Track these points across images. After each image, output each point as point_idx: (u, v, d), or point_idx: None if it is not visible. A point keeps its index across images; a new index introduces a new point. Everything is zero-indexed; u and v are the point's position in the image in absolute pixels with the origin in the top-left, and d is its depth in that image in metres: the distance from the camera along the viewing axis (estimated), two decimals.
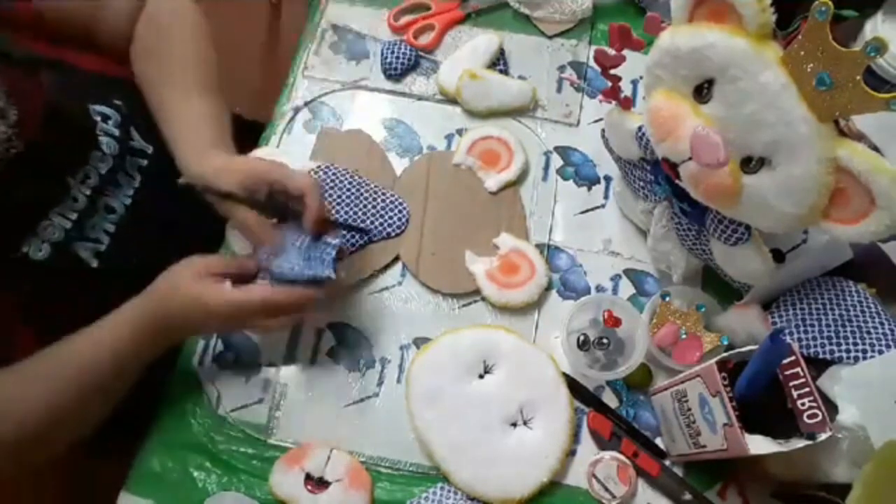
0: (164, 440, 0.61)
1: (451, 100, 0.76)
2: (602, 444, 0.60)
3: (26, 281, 0.56)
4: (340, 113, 0.76)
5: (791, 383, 0.47)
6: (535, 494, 0.58)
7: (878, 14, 0.68)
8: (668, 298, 0.62)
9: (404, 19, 0.80)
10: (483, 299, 0.66)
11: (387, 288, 0.67)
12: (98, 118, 0.61)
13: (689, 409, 0.53)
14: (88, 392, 0.53)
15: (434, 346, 0.63)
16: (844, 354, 0.53)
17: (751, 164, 0.47)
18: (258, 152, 0.71)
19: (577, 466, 0.59)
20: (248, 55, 1.69)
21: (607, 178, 0.72)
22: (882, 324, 0.54)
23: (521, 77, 0.77)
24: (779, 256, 0.61)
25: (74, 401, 0.53)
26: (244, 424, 0.61)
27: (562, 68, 0.78)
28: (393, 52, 0.77)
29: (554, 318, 0.65)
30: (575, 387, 0.62)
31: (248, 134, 0.73)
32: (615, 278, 0.68)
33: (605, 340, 0.61)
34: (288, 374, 0.63)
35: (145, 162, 0.66)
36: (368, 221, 0.68)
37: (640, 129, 0.57)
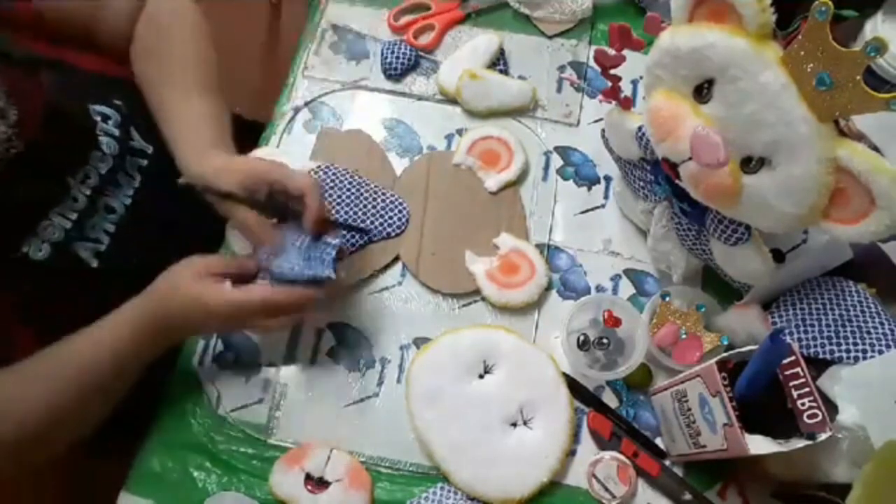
0: (164, 440, 0.61)
1: (451, 100, 0.76)
2: (602, 444, 0.60)
3: (26, 281, 0.56)
4: (340, 113, 0.76)
5: (791, 383, 0.47)
6: (535, 494, 0.58)
7: (878, 14, 0.68)
8: (668, 298, 0.62)
9: (404, 19, 0.80)
10: (483, 299, 0.66)
11: (387, 288, 0.67)
12: (98, 118, 0.61)
13: (689, 409, 0.53)
14: (88, 392, 0.53)
15: (434, 346, 0.63)
16: (844, 354, 0.53)
17: (751, 164, 0.47)
18: (258, 152, 0.71)
19: (577, 466, 0.59)
20: (248, 55, 1.69)
21: (607, 178, 0.72)
22: (882, 324, 0.54)
23: (521, 77, 0.77)
24: (779, 256, 0.61)
25: (74, 401, 0.53)
26: (244, 424, 0.61)
27: (562, 68, 0.78)
28: (393, 52, 0.77)
29: (554, 318, 0.65)
30: (575, 387, 0.62)
31: (248, 134, 0.73)
32: (615, 278, 0.68)
33: (605, 340, 0.61)
34: (288, 374, 0.63)
35: (145, 162, 0.66)
36: (368, 221, 0.68)
37: (640, 129, 0.57)
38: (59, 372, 0.52)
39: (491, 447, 0.58)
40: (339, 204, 0.68)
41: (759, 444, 0.46)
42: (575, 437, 0.60)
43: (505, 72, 0.78)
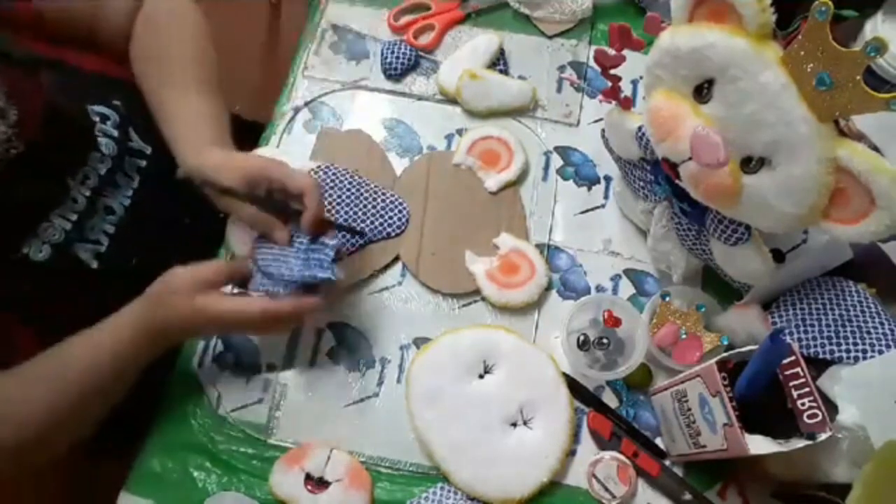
0: (165, 440, 0.61)
1: (451, 100, 0.76)
2: (602, 444, 0.60)
3: (26, 282, 0.56)
4: (340, 113, 0.76)
5: (791, 383, 0.47)
6: (535, 494, 0.58)
7: (878, 14, 0.68)
8: (668, 298, 0.62)
9: (404, 19, 0.80)
10: (483, 299, 0.66)
11: (387, 288, 0.67)
12: (97, 119, 0.61)
13: (689, 409, 0.53)
14: (89, 394, 0.53)
15: (434, 346, 0.63)
16: (844, 354, 0.53)
17: (751, 164, 0.47)
18: (258, 152, 0.71)
19: (577, 466, 0.59)
20: (248, 55, 1.69)
21: (607, 178, 0.72)
22: (882, 324, 0.54)
23: (521, 77, 0.77)
24: (779, 256, 0.61)
25: (75, 403, 0.53)
26: (244, 424, 0.61)
27: (562, 68, 0.78)
28: (393, 52, 0.77)
29: (554, 318, 0.65)
30: (575, 387, 0.62)
31: (248, 134, 0.73)
32: (615, 278, 0.68)
33: (605, 340, 0.61)
34: (288, 374, 0.63)
35: (144, 163, 0.66)
36: (368, 221, 0.68)
37: (640, 129, 0.57)
38: (60, 374, 0.53)
39: (491, 447, 0.58)
40: (338, 204, 0.68)
41: (759, 444, 0.46)
42: (575, 437, 0.60)
43: (505, 72, 0.78)
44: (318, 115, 0.76)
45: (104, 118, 0.62)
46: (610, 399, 0.62)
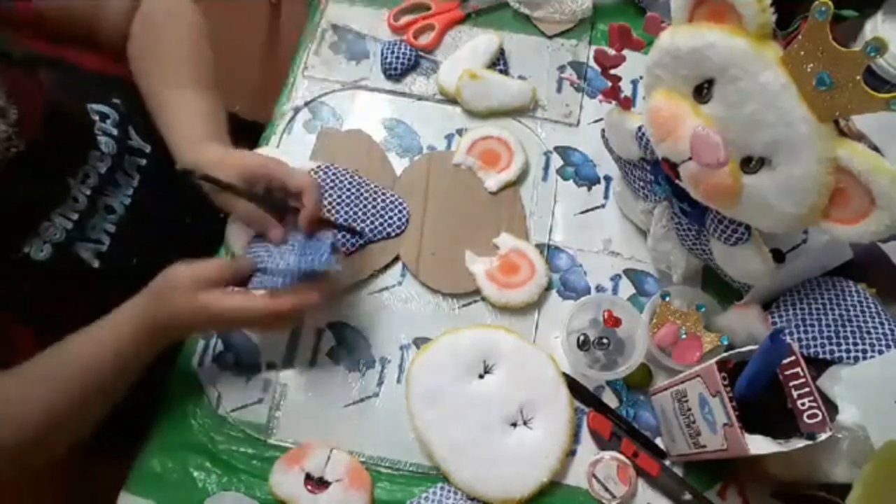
0: (165, 440, 0.61)
1: (451, 100, 0.76)
2: (602, 444, 0.60)
3: (26, 281, 0.56)
4: (340, 113, 0.76)
5: (791, 383, 0.47)
6: (535, 494, 0.58)
7: (878, 14, 0.68)
8: (668, 298, 0.62)
9: (404, 19, 0.80)
10: (483, 299, 0.66)
11: (387, 288, 0.67)
12: (96, 117, 0.61)
13: (689, 409, 0.53)
14: (90, 393, 0.53)
15: (434, 346, 0.62)
16: (844, 354, 0.53)
17: (751, 164, 0.47)
18: (258, 152, 0.71)
19: (577, 466, 0.59)
20: (248, 55, 1.69)
21: (607, 178, 0.72)
22: (882, 324, 0.54)
23: (521, 77, 0.77)
24: (779, 256, 0.61)
25: (76, 402, 0.53)
26: (244, 424, 0.61)
27: (562, 68, 0.78)
28: (393, 52, 0.77)
29: (554, 318, 0.65)
30: (575, 387, 0.62)
31: (247, 134, 0.73)
32: (615, 278, 0.68)
33: (605, 340, 0.61)
34: (288, 374, 0.63)
35: (144, 161, 0.66)
36: (368, 221, 0.68)
37: (640, 129, 0.57)
38: (60, 373, 0.52)
39: (491, 447, 0.58)
40: (338, 204, 0.68)
41: (759, 444, 0.46)
42: (575, 437, 0.60)
43: (505, 72, 0.78)
44: (318, 115, 0.76)
45: (104, 117, 0.62)
46: (610, 399, 0.62)
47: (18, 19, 0.58)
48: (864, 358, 0.52)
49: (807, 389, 0.46)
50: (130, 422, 0.59)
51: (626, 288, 0.67)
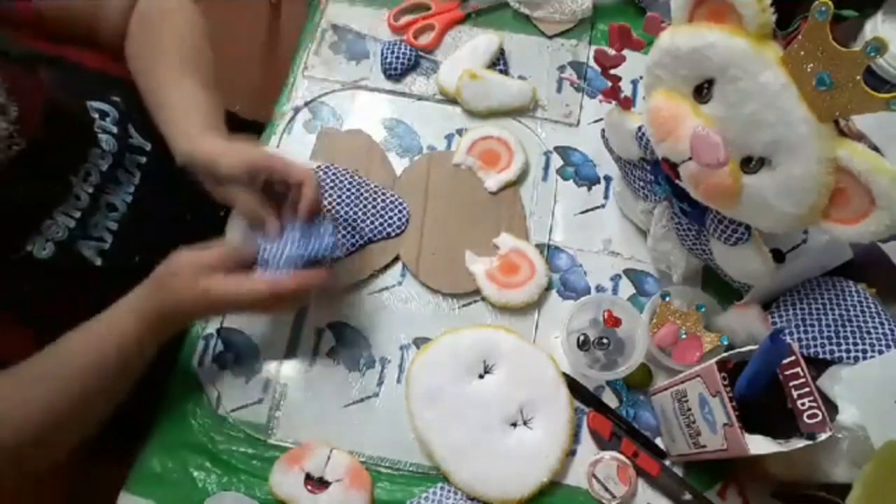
0: (165, 440, 0.61)
1: (451, 100, 0.76)
2: (602, 444, 0.60)
3: (27, 281, 0.56)
4: (340, 113, 0.76)
5: (791, 383, 0.47)
6: (535, 494, 0.58)
7: (878, 14, 0.68)
8: (668, 298, 0.62)
9: (404, 19, 0.80)
10: (483, 299, 0.66)
11: (387, 288, 0.67)
12: (96, 115, 0.61)
13: (689, 409, 0.53)
14: (92, 392, 0.53)
15: (434, 346, 0.63)
16: (844, 354, 0.53)
17: (751, 164, 0.47)
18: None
19: (577, 466, 0.59)
20: (248, 55, 1.69)
21: (607, 178, 0.72)
22: (882, 324, 0.54)
23: (521, 77, 0.77)
24: (779, 256, 0.61)
25: (77, 401, 0.52)
26: (244, 424, 0.61)
27: (562, 68, 0.78)
28: (393, 52, 0.77)
29: (554, 318, 0.65)
30: (575, 387, 0.62)
31: (247, 134, 0.73)
32: (615, 278, 0.68)
33: (605, 340, 0.61)
34: (288, 374, 0.63)
35: (144, 159, 0.66)
36: (368, 221, 0.68)
37: (640, 129, 0.57)
38: (60, 372, 0.52)
39: (491, 447, 0.58)
40: (338, 204, 0.68)
41: (759, 444, 0.46)
42: (575, 437, 0.60)
43: (505, 72, 0.78)
44: (318, 115, 0.76)
45: (103, 115, 0.62)
46: (610, 399, 0.62)
47: (18, 19, 0.58)
48: (864, 358, 0.52)
49: (807, 389, 0.46)
50: (130, 422, 0.59)
51: (626, 288, 0.67)
